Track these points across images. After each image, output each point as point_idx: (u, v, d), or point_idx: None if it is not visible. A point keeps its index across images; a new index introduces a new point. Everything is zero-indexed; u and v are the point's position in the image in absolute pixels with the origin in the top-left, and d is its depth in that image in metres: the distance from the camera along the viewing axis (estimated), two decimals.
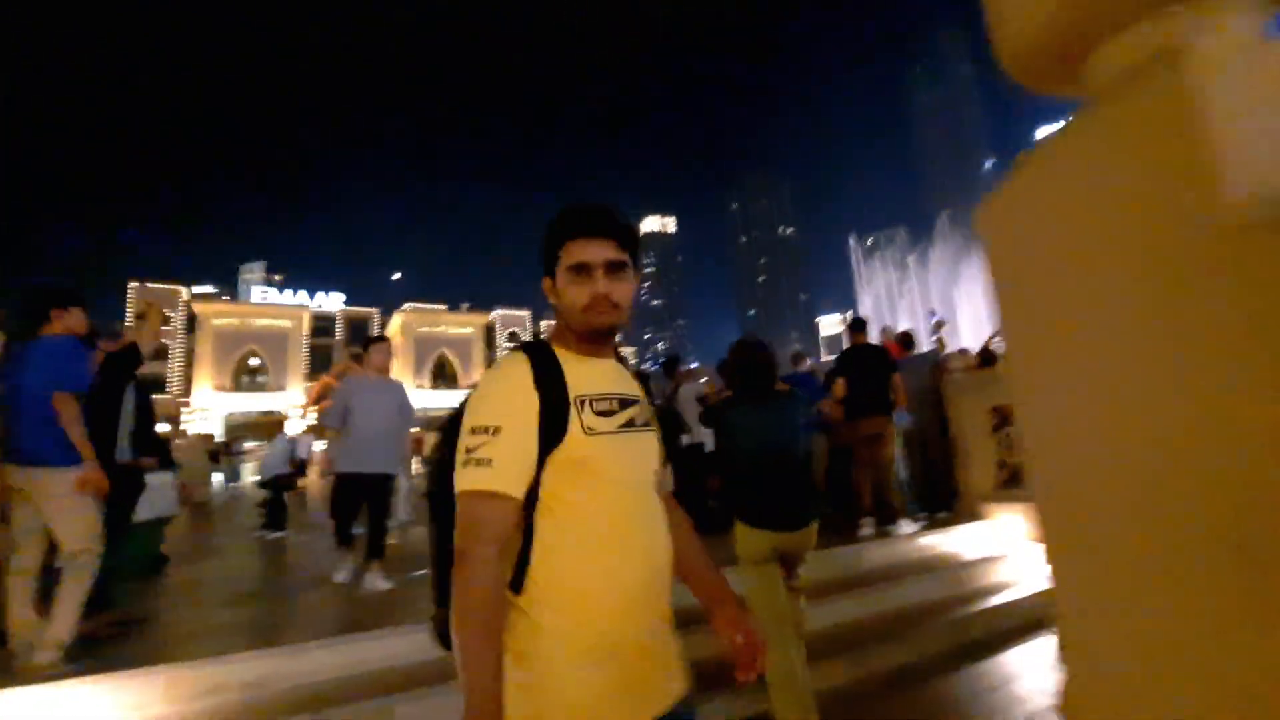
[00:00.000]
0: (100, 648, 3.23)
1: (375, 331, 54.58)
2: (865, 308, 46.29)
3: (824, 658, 3.42)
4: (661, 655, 1.13)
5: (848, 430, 5.59)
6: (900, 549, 5.05)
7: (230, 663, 3.01)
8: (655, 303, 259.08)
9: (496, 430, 1.05)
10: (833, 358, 7.02)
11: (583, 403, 1.11)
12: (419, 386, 48.69)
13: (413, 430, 5.21)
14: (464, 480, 1.04)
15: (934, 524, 5.51)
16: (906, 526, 5.31)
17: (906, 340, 6.97)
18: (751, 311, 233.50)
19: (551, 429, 1.07)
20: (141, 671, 2.87)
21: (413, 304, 54.28)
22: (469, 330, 52.77)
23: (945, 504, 6.02)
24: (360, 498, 4.58)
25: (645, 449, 1.19)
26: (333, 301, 54.02)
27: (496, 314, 56.56)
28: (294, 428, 13.57)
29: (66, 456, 2.91)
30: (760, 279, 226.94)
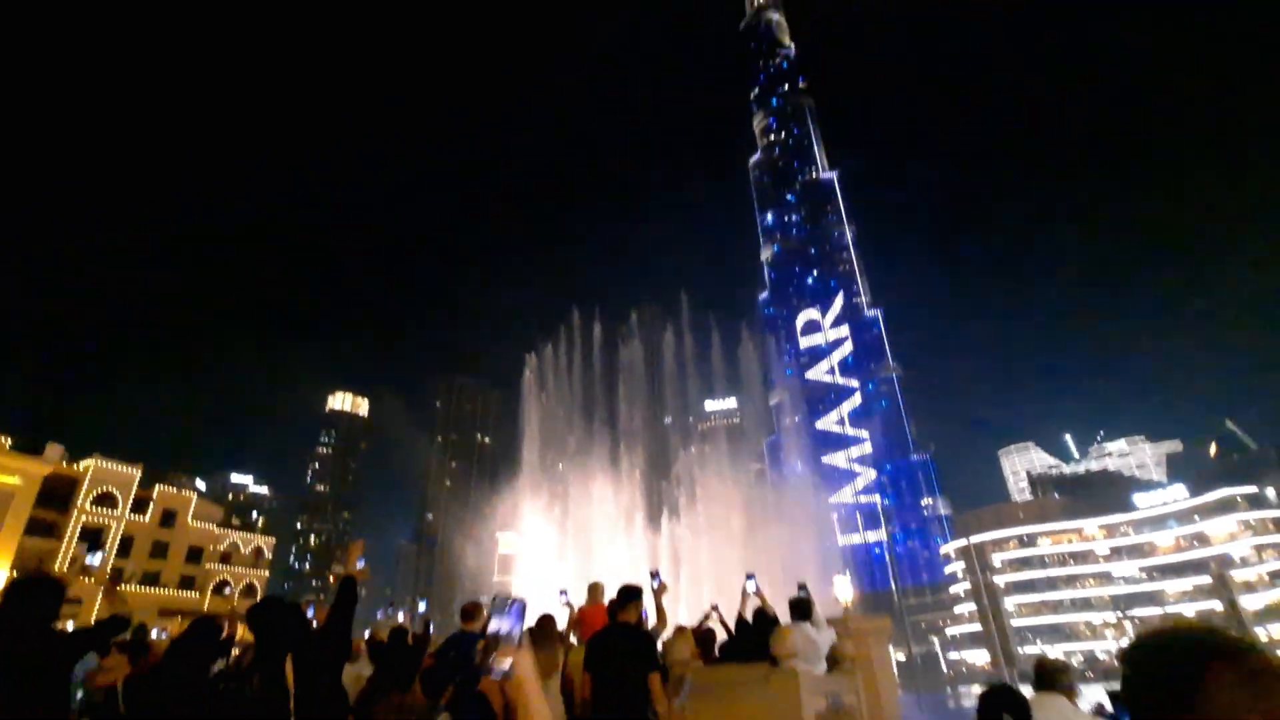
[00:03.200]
0: None
1: None
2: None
3: None
4: None
5: None
6: None
7: None
8: (320, 488, 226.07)
9: None
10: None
11: None
12: None
13: None
14: None
15: None
16: None
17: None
18: (430, 515, 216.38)
19: None
20: None
21: None
22: (14, 480, 36.24)
23: None
24: None
25: None
26: None
27: (90, 463, 42.32)
28: None
29: None
30: (447, 482, 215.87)
